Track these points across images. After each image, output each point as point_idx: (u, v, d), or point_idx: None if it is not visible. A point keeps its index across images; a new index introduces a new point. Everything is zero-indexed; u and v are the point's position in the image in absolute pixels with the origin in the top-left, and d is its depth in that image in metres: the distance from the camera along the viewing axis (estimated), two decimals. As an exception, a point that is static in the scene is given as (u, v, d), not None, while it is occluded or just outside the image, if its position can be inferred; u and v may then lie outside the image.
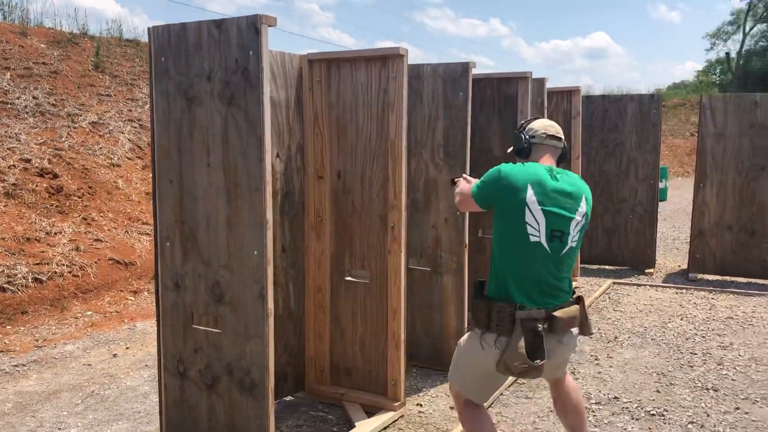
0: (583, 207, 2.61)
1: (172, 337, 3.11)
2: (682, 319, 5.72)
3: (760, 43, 40.67)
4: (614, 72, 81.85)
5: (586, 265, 8.01)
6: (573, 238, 2.58)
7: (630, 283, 7.10)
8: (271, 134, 3.65)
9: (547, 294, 2.56)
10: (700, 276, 7.42)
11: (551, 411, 3.60)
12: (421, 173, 4.44)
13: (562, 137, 2.80)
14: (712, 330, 5.40)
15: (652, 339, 5.17)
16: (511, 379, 4.02)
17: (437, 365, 4.51)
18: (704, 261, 7.37)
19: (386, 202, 3.76)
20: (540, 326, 2.48)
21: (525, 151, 2.75)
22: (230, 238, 2.88)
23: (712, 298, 6.47)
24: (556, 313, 2.52)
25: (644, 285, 6.99)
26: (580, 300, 2.66)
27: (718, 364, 4.59)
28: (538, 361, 2.43)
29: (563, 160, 2.80)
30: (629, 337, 5.21)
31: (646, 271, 7.62)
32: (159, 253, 3.10)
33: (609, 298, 6.53)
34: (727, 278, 7.33)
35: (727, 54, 41.69)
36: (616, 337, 5.21)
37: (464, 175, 3.05)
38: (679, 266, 8.07)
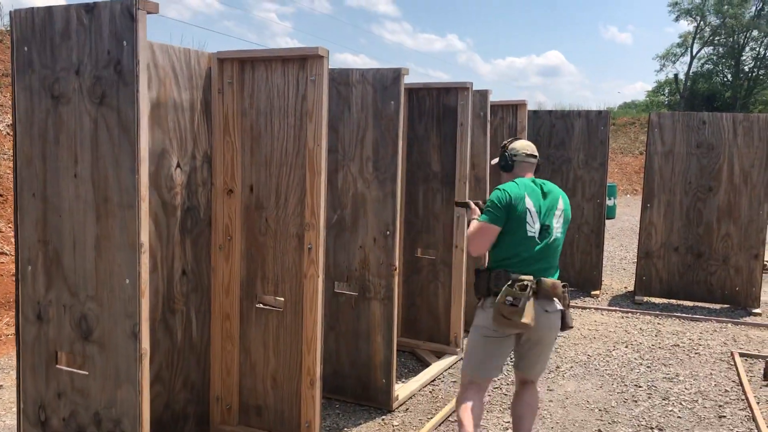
0: (561, 204, 3.22)
1: (33, 378, 2.62)
2: (627, 347, 5.44)
3: (706, 66, 41.84)
4: (567, 90, 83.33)
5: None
6: (557, 229, 3.18)
7: (575, 306, 6.82)
8: (171, 141, 3.21)
9: (536, 268, 3.09)
10: (646, 299, 7.21)
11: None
12: (349, 188, 4.04)
13: (537, 154, 3.38)
14: (658, 359, 5.13)
15: (595, 369, 4.87)
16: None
17: (364, 400, 4.10)
18: (650, 283, 7.16)
19: (303, 220, 3.34)
20: (528, 285, 2.97)
21: (508, 167, 3.33)
22: (99, 264, 2.42)
23: (658, 323, 6.24)
24: (543, 278, 3.06)
25: (589, 308, 6.72)
26: (564, 285, 3.12)
27: (664, 399, 4.29)
28: (522, 294, 2.92)
29: (537, 171, 3.39)
30: (572, 367, 4.89)
31: (592, 293, 7.38)
32: (20, 278, 2.61)
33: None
34: (674, 301, 7.13)
35: (676, 75, 42.75)
36: (558, 367, 4.89)
37: (472, 204, 3.51)
38: (625, 288, 7.86)
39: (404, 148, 5.06)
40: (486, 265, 3.29)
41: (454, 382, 4.52)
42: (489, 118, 5.56)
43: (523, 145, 3.36)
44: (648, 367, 4.93)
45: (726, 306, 6.94)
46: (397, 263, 3.98)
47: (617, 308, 6.73)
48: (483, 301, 3.14)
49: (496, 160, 3.42)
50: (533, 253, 3.10)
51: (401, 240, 5.08)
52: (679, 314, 6.55)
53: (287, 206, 3.38)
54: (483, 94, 5.53)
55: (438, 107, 4.98)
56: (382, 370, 4.04)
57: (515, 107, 6.63)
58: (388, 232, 3.95)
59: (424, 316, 5.18)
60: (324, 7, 76.09)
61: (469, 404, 3.11)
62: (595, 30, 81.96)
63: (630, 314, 6.54)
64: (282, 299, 3.44)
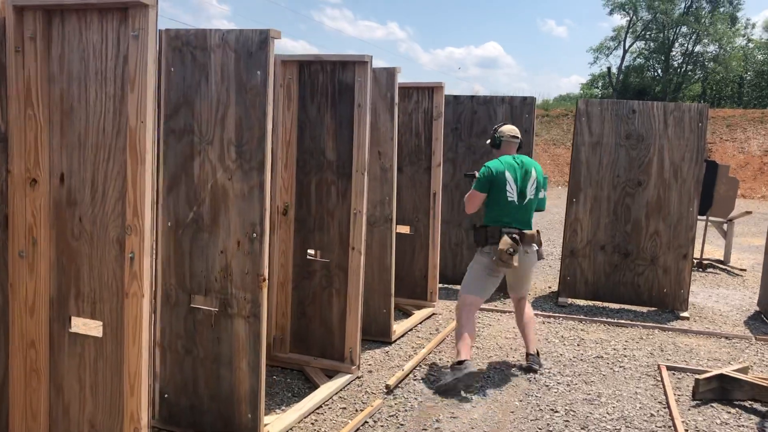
0: (534, 174, 4.42)
1: None
2: (546, 359, 4.87)
3: (638, 60, 42.58)
4: (505, 81, 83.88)
5: (450, 286, 7.12)
6: (531, 193, 4.40)
7: (494, 310, 6.24)
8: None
9: (518, 223, 4.37)
10: (570, 301, 6.71)
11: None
12: (207, 179, 3.26)
13: (519, 135, 4.57)
14: (579, 375, 4.57)
15: (509, 389, 4.26)
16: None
17: (226, 438, 3.35)
18: (575, 284, 6.65)
19: (124, 221, 2.55)
20: (515, 236, 4.28)
21: (497, 146, 4.54)
22: None
23: (582, 330, 5.71)
24: (524, 231, 4.37)
25: (510, 311, 6.15)
26: (537, 231, 4.46)
27: (582, 428, 3.71)
28: (516, 247, 4.23)
29: (521, 148, 4.61)
30: (482, 387, 4.27)
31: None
32: None
33: (469, 328, 5.63)
34: (599, 304, 6.65)
35: (609, 69, 43.38)
36: (467, 386, 4.25)
37: (474, 172, 4.61)
38: (549, 287, 7.35)
39: (291, 132, 4.31)
40: (480, 222, 4.54)
41: (344, 409, 3.82)
42: (397, 100, 4.86)
43: (509, 129, 4.58)
44: (568, 385, 4.36)
45: (653, 309, 6.51)
46: (266, 272, 3.23)
47: (539, 312, 6.17)
48: (482, 248, 4.43)
49: (489, 141, 4.65)
50: (515, 213, 4.39)
51: (290, 239, 4.35)
52: (604, 319, 6.05)
53: (105, 202, 2.59)
54: (390, 73, 4.83)
55: (333, 85, 4.24)
56: (247, 403, 3.30)
57: (431, 90, 5.97)
58: (254, 234, 3.19)
59: (316, 329, 4.45)
60: (262, -10, 74.02)
61: (471, 319, 4.40)
62: (532, 23, 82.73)
63: (552, 319, 6.01)
64: (101, 323, 2.65)
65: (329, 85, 4.24)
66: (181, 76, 3.25)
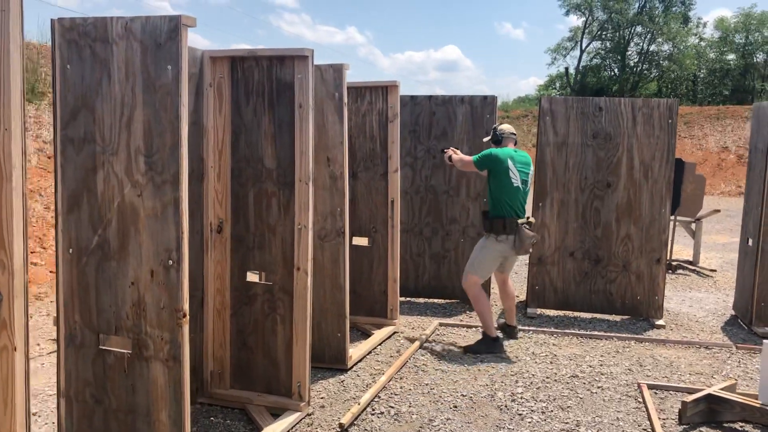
0: (532, 167, 5.10)
1: None
2: (517, 382, 4.43)
3: (595, 60, 42.91)
4: (465, 84, 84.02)
5: (413, 299, 6.66)
6: (529, 183, 5.01)
7: (460, 324, 5.79)
8: None
9: (521, 211, 4.94)
10: (540, 311, 6.31)
11: None
12: (113, 196, 2.72)
13: (515, 133, 5.19)
14: (554, 399, 4.14)
15: (477, 420, 3.80)
16: None
17: (147, 503, 2.81)
18: (544, 293, 6.25)
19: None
20: (527, 225, 4.91)
21: (498, 141, 5.10)
22: None
23: (554, 344, 5.30)
24: (530, 219, 5.00)
25: (475, 326, 5.70)
26: (529, 218, 5.02)
27: (562, 468, 3.28)
28: (534, 238, 4.93)
29: (516, 144, 5.12)
30: (447, 420, 3.80)
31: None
32: None
33: (434, 347, 5.16)
34: (570, 313, 6.27)
35: (566, 69, 43.60)
36: (431, 420, 3.79)
37: (452, 148, 5.31)
38: (518, 296, 6.93)
39: (224, 138, 3.80)
40: (486, 209, 5.25)
41: (290, 456, 3.31)
42: (346, 99, 4.38)
43: (508, 127, 5.15)
44: (543, 413, 3.92)
45: (627, 317, 6.15)
46: (185, 306, 2.71)
47: (508, 326, 5.74)
48: (497, 236, 4.88)
49: (487, 138, 5.20)
50: (519, 201, 4.90)
51: (226, 259, 3.82)
52: (576, 331, 5.66)
53: (-36, 232, 2.04)
54: (337, 70, 4.34)
55: (271, 83, 3.74)
56: (170, 462, 2.76)
57: (385, 90, 5.50)
58: (170, 261, 2.67)
59: (259, 361, 3.93)
60: (219, -4, 72.61)
61: (481, 294, 5.03)
62: (490, 25, 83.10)
63: (521, 332, 5.58)
64: (-35, 384, 2.10)
65: (266, 83, 3.74)
66: (79, 74, 2.71)
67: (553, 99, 6.20)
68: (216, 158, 3.80)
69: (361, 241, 5.68)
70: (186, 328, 2.70)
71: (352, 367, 4.63)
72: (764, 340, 3.77)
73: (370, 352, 4.97)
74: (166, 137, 2.61)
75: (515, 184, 4.86)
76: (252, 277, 3.92)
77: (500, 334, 5.15)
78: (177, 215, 2.64)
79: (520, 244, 4.81)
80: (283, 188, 3.76)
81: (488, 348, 5.00)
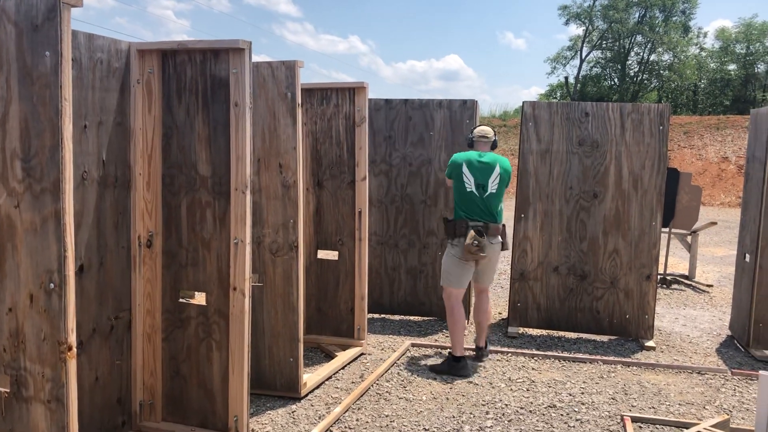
0: (498, 169, 4.75)
1: None
2: (488, 413, 4.00)
3: (595, 69, 42.58)
4: (467, 93, 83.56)
5: (387, 316, 6.23)
6: (492, 187, 4.73)
7: (433, 345, 5.36)
8: None
9: (481, 215, 4.71)
10: (522, 330, 5.88)
11: None
12: (-12, 207, 2.31)
13: (489, 135, 4.90)
14: (526, 435, 3.71)
15: (437, 460, 3.37)
16: None
17: None
18: (527, 311, 5.82)
19: None
20: (480, 228, 4.65)
21: (470, 145, 4.95)
22: None
23: (533, 369, 4.86)
24: (489, 223, 4.71)
25: (448, 347, 5.26)
26: (503, 225, 4.84)
27: None
28: (482, 240, 4.60)
29: (495, 147, 4.94)
30: (404, 460, 3.37)
31: (458, 324, 5.95)
32: None
33: (401, 371, 4.73)
34: (554, 333, 5.83)
35: (566, 78, 43.25)
36: (384, 460, 3.36)
37: None
38: (499, 314, 6.51)
39: (154, 141, 3.39)
40: (450, 216, 5.46)
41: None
42: (299, 100, 3.97)
43: (479, 129, 4.91)
44: (511, 452, 3.49)
45: (615, 337, 5.71)
46: (70, 337, 2.28)
47: (485, 347, 5.31)
48: (452, 240, 4.76)
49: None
50: (478, 205, 4.71)
51: (157, 277, 3.41)
52: (559, 353, 5.22)
53: None
54: (289, 67, 3.94)
55: (205, 80, 3.33)
56: None
57: (352, 91, 5.10)
58: (52, 285, 2.25)
59: (193, 391, 3.50)
60: (223, 5, 72.20)
61: (458, 310, 4.77)
62: (492, 35, 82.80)
63: (499, 355, 5.14)
64: None
65: (200, 79, 3.33)
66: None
67: (536, 104, 5.79)
68: (145, 164, 3.39)
69: (328, 255, 5.26)
70: (72, 364, 2.28)
71: (306, 395, 4.19)
72: (761, 372, 3.34)
73: (330, 377, 4.54)
74: (45, 137, 2.20)
75: (468, 189, 4.71)
76: (186, 297, 3.50)
77: (462, 354, 4.75)
78: (59, 230, 2.22)
79: (464, 247, 4.63)
80: (218, 198, 3.35)
81: (450, 369, 4.69)
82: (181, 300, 3.47)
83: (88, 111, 3.08)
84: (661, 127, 5.49)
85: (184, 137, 3.37)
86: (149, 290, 3.46)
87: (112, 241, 3.28)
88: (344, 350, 5.02)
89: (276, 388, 4.14)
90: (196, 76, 3.33)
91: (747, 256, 5.52)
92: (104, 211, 3.23)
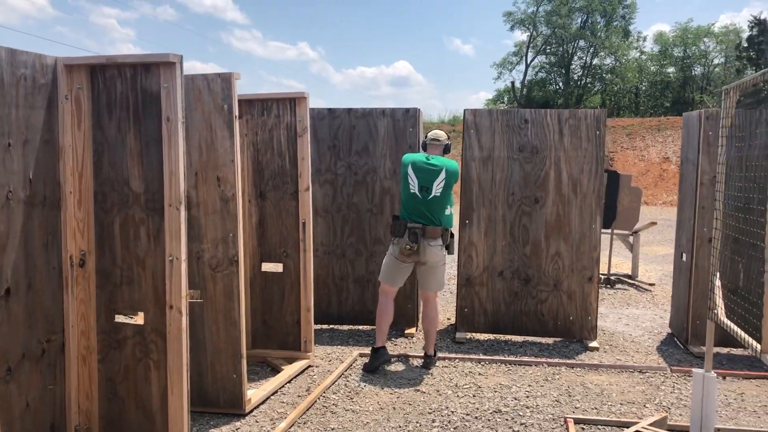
0: (443, 174, 4.81)
1: None
2: (434, 421, 4.01)
3: (540, 74, 43.48)
4: (417, 99, 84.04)
5: (336, 326, 6.20)
6: (437, 191, 4.79)
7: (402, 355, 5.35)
8: None
9: (422, 217, 4.79)
10: (470, 335, 5.93)
11: None
12: None
13: (441, 139, 5.06)
14: (471, 442, 3.73)
15: (382, 472, 3.37)
16: None
17: None
18: (474, 316, 5.88)
19: None
20: (417, 231, 4.76)
21: (425, 148, 5.08)
22: None
23: (480, 374, 4.91)
24: (427, 226, 4.78)
25: (397, 355, 5.28)
26: (447, 229, 4.89)
27: None
28: (415, 246, 4.74)
29: (447, 152, 5.06)
30: (349, 474, 3.35)
31: (406, 331, 5.97)
32: None
33: (348, 381, 4.71)
34: (501, 337, 5.90)
35: (513, 83, 44.04)
36: (329, 475, 3.33)
37: None
38: (448, 319, 6.56)
39: (84, 157, 3.30)
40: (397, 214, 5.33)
41: None
42: (236, 112, 3.93)
43: (432, 133, 5.10)
44: (456, 459, 3.51)
45: (560, 339, 5.82)
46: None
47: (433, 354, 5.34)
48: (392, 239, 4.90)
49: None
50: (419, 207, 4.80)
51: (91, 297, 3.31)
52: (505, 357, 5.29)
53: None
54: (225, 79, 3.90)
55: (135, 94, 3.26)
56: None
57: (293, 102, 5.08)
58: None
59: (131, 413, 3.41)
60: (168, 14, 70.68)
61: (384, 303, 4.97)
62: (439, 41, 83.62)
63: (447, 361, 5.18)
64: None
65: (131, 94, 3.26)
66: None
67: (477, 111, 5.86)
68: (76, 182, 3.29)
69: (273, 267, 5.21)
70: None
71: (251, 411, 4.13)
72: (694, 370, 3.45)
73: (276, 392, 4.49)
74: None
75: (411, 191, 4.82)
76: (122, 317, 3.42)
77: (382, 345, 4.97)
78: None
79: (400, 249, 4.80)
80: (152, 214, 3.28)
81: (372, 361, 4.92)
82: (117, 320, 3.38)
83: (11, 129, 2.97)
84: (597, 132, 5.63)
85: (115, 153, 3.29)
86: (83, 311, 3.36)
87: (42, 262, 3.18)
88: (291, 363, 4.97)
89: (219, 405, 4.07)
90: (127, 91, 3.25)
91: (684, 255, 5.70)
92: (32, 231, 3.12)
